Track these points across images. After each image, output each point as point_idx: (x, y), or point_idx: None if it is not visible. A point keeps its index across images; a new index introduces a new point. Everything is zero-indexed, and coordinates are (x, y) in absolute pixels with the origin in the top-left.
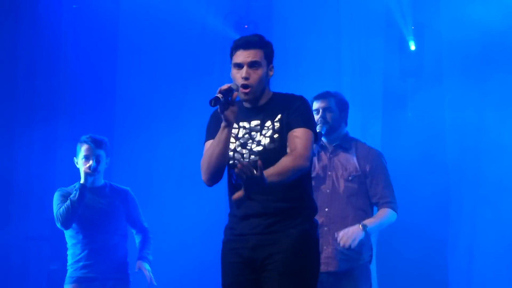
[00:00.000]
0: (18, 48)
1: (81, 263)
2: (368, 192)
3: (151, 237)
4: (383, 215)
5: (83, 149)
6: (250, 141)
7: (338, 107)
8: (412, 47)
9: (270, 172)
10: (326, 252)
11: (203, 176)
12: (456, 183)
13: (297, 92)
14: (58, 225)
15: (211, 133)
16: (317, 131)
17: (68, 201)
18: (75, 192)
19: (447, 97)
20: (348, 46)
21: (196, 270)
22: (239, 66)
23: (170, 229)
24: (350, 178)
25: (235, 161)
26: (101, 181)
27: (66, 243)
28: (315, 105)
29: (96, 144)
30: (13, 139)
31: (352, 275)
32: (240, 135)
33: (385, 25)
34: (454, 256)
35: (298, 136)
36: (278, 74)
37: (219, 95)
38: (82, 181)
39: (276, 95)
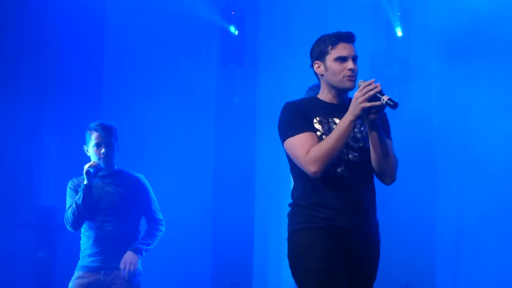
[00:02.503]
0: (4, 35)
1: (88, 252)
2: None
3: (160, 229)
4: None
5: (93, 137)
6: None
7: None
8: (399, 33)
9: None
10: None
11: (318, 168)
12: (443, 170)
13: (284, 77)
14: (68, 227)
15: (301, 126)
16: None
17: (74, 204)
18: (80, 193)
19: (434, 83)
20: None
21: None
22: (343, 59)
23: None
24: None
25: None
26: (113, 167)
27: (54, 230)
28: None
29: (106, 131)
30: None
31: None
32: (332, 129)
33: (372, 11)
34: (441, 251)
35: (393, 149)
36: (265, 61)
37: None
38: (85, 182)
39: (349, 97)
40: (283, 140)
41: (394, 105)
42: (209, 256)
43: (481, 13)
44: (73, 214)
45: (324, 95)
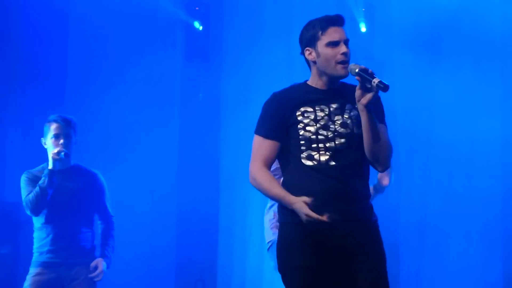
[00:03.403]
0: None
1: (46, 248)
2: None
3: (114, 228)
4: None
5: (52, 128)
6: (331, 123)
7: None
8: (363, 29)
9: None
10: None
11: (251, 182)
12: (407, 165)
13: (248, 72)
14: (28, 212)
15: (268, 129)
16: None
17: (37, 188)
18: (43, 178)
19: (398, 78)
20: (300, 28)
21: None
22: (335, 44)
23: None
24: None
25: (319, 144)
26: (70, 162)
27: (17, 226)
28: None
29: (66, 123)
30: None
31: None
32: (319, 117)
33: (336, 7)
34: (405, 247)
35: (387, 135)
36: (230, 56)
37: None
38: (50, 166)
39: (341, 81)
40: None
41: (384, 87)
42: (173, 252)
43: (445, 8)
44: (36, 198)
45: (315, 81)
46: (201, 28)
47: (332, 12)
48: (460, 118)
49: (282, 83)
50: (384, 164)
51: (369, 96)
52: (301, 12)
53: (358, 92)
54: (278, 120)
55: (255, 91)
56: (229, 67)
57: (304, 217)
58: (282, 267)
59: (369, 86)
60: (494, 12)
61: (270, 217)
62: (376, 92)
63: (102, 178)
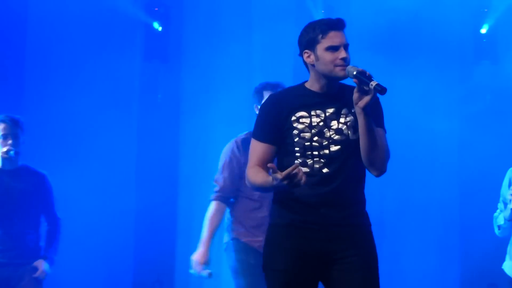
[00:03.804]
0: None
1: None
2: None
3: (60, 231)
4: None
5: (0, 128)
6: (326, 129)
7: None
8: None
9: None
10: None
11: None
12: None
13: (208, 73)
14: None
15: (263, 133)
16: None
17: None
18: None
19: None
20: (259, 30)
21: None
22: (335, 48)
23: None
24: None
25: (313, 152)
26: (17, 162)
27: None
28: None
29: (13, 123)
30: None
31: None
32: (314, 123)
33: (296, 9)
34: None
35: (385, 139)
36: (189, 58)
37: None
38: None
39: (340, 83)
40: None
41: (382, 90)
42: (131, 254)
43: (404, 11)
44: None
45: (313, 84)
46: (160, 29)
47: (290, 13)
48: (418, 120)
49: (241, 85)
50: (380, 169)
51: (366, 99)
52: (260, 14)
53: (355, 95)
54: (273, 124)
55: (215, 92)
56: (188, 68)
57: (284, 182)
58: (265, 268)
59: (367, 88)
60: (453, 16)
61: (228, 218)
62: (374, 95)
63: (49, 179)
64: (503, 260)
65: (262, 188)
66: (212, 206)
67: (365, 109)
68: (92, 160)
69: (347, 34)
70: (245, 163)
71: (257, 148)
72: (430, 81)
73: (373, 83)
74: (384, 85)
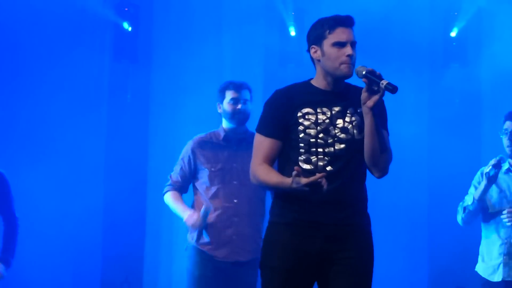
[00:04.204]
0: None
1: None
2: None
3: (18, 230)
4: None
5: None
6: (332, 127)
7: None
8: (292, 32)
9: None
10: (236, 241)
11: (253, 182)
12: None
13: (177, 73)
14: None
15: (269, 128)
16: None
17: None
18: None
19: None
20: (229, 31)
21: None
22: (342, 44)
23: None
24: None
25: (318, 149)
26: None
27: None
28: None
29: None
30: None
31: (255, 264)
32: (320, 120)
33: (266, 10)
34: None
35: (388, 142)
36: (159, 58)
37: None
38: None
39: (345, 83)
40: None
41: (393, 89)
42: (99, 254)
43: (374, 13)
44: None
45: (319, 81)
46: (130, 29)
47: (261, 15)
48: (388, 122)
49: (211, 84)
50: (382, 170)
51: (375, 98)
52: (230, 14)
53: (364, 95)
54: (279, 119)
55: (184, 92)
56: (158, 68)
57: (306, 189)
58: (262, 265)
59: (376, 88)
60: (423, 19)
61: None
62: (383, 94)
63: (6, 178)
64: (469, 262)
65: (274, 188)
66: (170, 193)
67: (373, 109)
68: (61, 160)
69: None
70: (201, 163)
71: (263, 144)
72: (399, 84)
73: (384, 82)
74: (395, 84)
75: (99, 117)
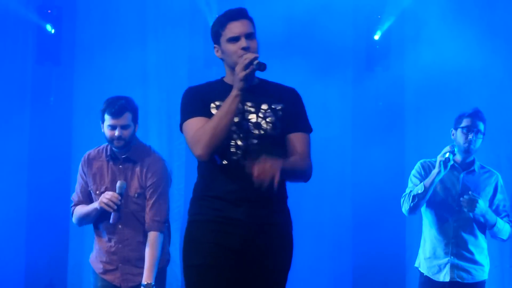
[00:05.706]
0: None
1: None
2: None
3: None
4: (150, 243)
5: None
6: (244, 121)
7: (134, 120)
8: None
9: (287, 167)
10: (122, 269)
11: (201, 150)
12: None
13: (101, 76)
14: None
15: (194, 110)
16: None
17: None
18: None
19: None
20: (153, 33)
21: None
22: (235, 39)
23: None
24: (135, 195)
25: (230, 142)
26: None
27: None
28: None
29: None
30: None
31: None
32: None
33: (190, 13)
34: None
35: (306, 143)
36: (82, 60)
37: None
38: None
39: (260, 79)
40: (180, 127)
41: (261, 66)
42: (22, 257)
43: (298, 16)
44: None
45: (229, 78)
46: (53, 31)
47: (185, 18)
48: (312, 125)
49: (135, 87)
50: (304, 180)
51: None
52: (154, 17)
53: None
54: (202, 103)
55: (108, 95)
56: (81, 71)
57: (245, 61)
58: (184, 265)
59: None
60: (346, 22)
61: None
62: (252, 69)
63: None
64: (394, 258)
65: (222, 114)
66: (76, 208)
67: (244, 85)
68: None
69: None
70: (90, 180)
71: (196, 122)
72: (323, 87)
73: (255, 62)
74: (263, 62)
75: (22, 119)
